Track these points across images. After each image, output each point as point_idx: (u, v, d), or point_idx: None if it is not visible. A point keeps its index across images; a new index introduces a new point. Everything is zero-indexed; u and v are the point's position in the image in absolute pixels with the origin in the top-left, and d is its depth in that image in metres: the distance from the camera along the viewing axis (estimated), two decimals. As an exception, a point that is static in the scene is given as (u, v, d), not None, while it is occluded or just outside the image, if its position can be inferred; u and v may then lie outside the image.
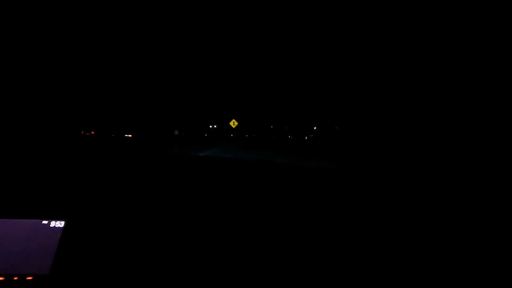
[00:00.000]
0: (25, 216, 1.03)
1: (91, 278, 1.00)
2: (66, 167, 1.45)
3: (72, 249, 1.03)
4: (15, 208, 1.06)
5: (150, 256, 1.06)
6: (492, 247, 1.09)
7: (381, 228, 1.18)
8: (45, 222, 1.04)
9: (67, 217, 1.06)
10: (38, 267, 0.98)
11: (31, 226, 1.03)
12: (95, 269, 1.01)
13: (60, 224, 1.05)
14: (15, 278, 0.95)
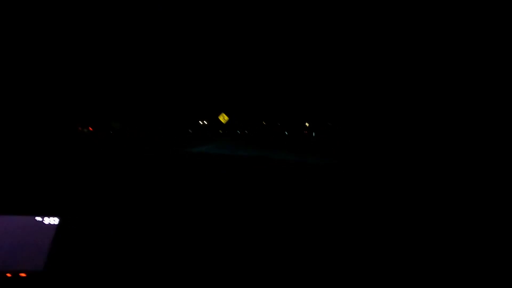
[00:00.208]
0: (19, 213, 1.02)
1: (85, 275, 0.99)
2: (60, 163, 1.43)
3: (66, 245, 1.02)
4: (8, 204, 1.05)
5: (144, 253, 1.06)
6: (492, 246, 1.10)
7: (379, 225, 1.19)
8: (39, 218, 1.03)
9: (61, 214, 1.05)
10: (32, 263, 0.97)
11: (25, 223, 1.02)
12: (89, 266, 1.01)
13: (54, 220, 1.04)
14: (8, 275, 0.94)
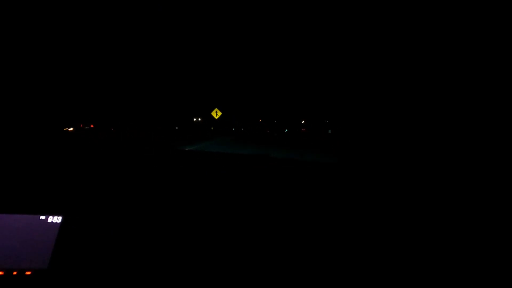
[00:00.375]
0: (22, 211, 1.04)
1: (90, 273, 1.00)
2: (63, 162, 1.44)
3: (70, 244, 1.03)
4: (12, 203, 1.06)
5: (147, 251, 1.07)
6: (490, 245, 1.11)
7: (380, 224, 1.20)
8: (42, 217, 1.04)
9: (64, 212, 1.07)
10: (36, 262, 0.99)
11: (29, 221, 1.03)
12: (93, 264, 1.02)
13: (57, 219, 1.05)
14: (14, 273, 0.96)
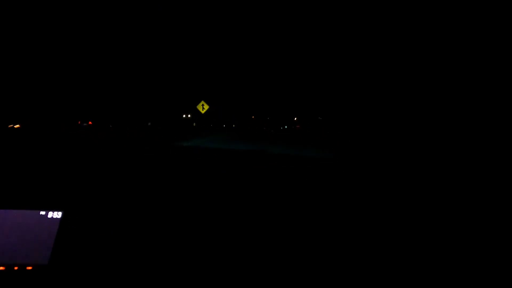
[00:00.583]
0: (24, 207, 1.04)
1: (90, 268, 1.01)
2: (63, 158, 1.44)
3: (70, 239, 1.04)
4: (13, 199, 1.07)
5: (146, 246, 1.08)
6: (488, 242, 1.12)
7: (377, 219, 1.22)
8: (42, 212, 1.05)
9: (64, 208, 1.07)
10: (37, 257, 0.99)
11: (29, 217, 1.03)
12: (92, 258, 1.03)
13: (57, 214, 1.06)
14: (16, 268, 0.96)
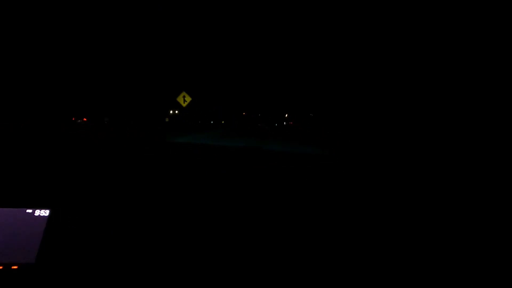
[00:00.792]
0: (9, 205, 1.00)
1: (77, 266, 0.98)
2: (50, 156, 1.40)
3: (57, 237, 1.01)
4: None
5: (135, 244, 1.05)
6: (485, 240, 1.12)
7: (374, 215, 1.21)
8: (29, 210, 1.01)
9: (51, 206, 1.03)
10: (23, 256, 0.96)
11: (15, 215, 1.00)
12: (80, 257, 1.00)
13: (44, 213, 1.02)
14: (0, 267, 0.93)
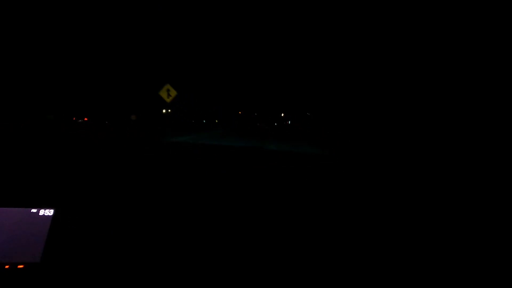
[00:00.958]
0: (14, 205, 1.01)
1: (82, 265, 0.99)
2: (53, 156, 1.41)
3: (62, 237, 1.02)
4: (4, 196, 1.04)
5: (139, 242, 1.06)
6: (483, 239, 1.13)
7: (373, 213, 1.22)
8: (34, 210, 1.02)
9: (56, 205, 1.04)
10: (29, 255, 0.97)
11: (20, 215, 1.01)
12: (85, 256, 1.01)
13: (49, 212, 1.03)
14: (7, 267, 0.94)
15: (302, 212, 1.22)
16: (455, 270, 1.02)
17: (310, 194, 1.29)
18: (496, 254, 1.06)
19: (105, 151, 1.56)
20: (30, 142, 1.47)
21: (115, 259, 1.02)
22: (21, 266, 0.95)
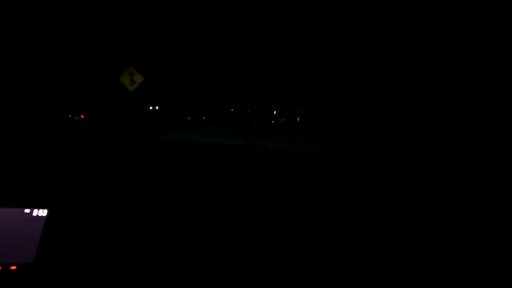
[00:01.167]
0: (7, 205, 1.00)
1: (76, 266, 0.98)
2: (47, 155, 1.39)
3: (56, 237, 1.01)
4: None
5: (134, 243, 1.05)
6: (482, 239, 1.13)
7: (372, 214, 1.21)
8: (27, 210, 1.01)
9: (50, 206, 1.03)
10: (22, 256, 0.96)
11: (13, 215, 0.99)
12: (79, 257, 1.00)
13: (43, 212, 1.02)
14: None
15: (302, 212, 1.21)
16: (455, 270, 1.02)
17: (309, 194, 1.29)
18: (496, 254, 1.07)
19: (100, 150, 1.55)
20: (23, 141, 1.45)
21: (109, 260, 1.01)
22: (14, 267, 0.94)
